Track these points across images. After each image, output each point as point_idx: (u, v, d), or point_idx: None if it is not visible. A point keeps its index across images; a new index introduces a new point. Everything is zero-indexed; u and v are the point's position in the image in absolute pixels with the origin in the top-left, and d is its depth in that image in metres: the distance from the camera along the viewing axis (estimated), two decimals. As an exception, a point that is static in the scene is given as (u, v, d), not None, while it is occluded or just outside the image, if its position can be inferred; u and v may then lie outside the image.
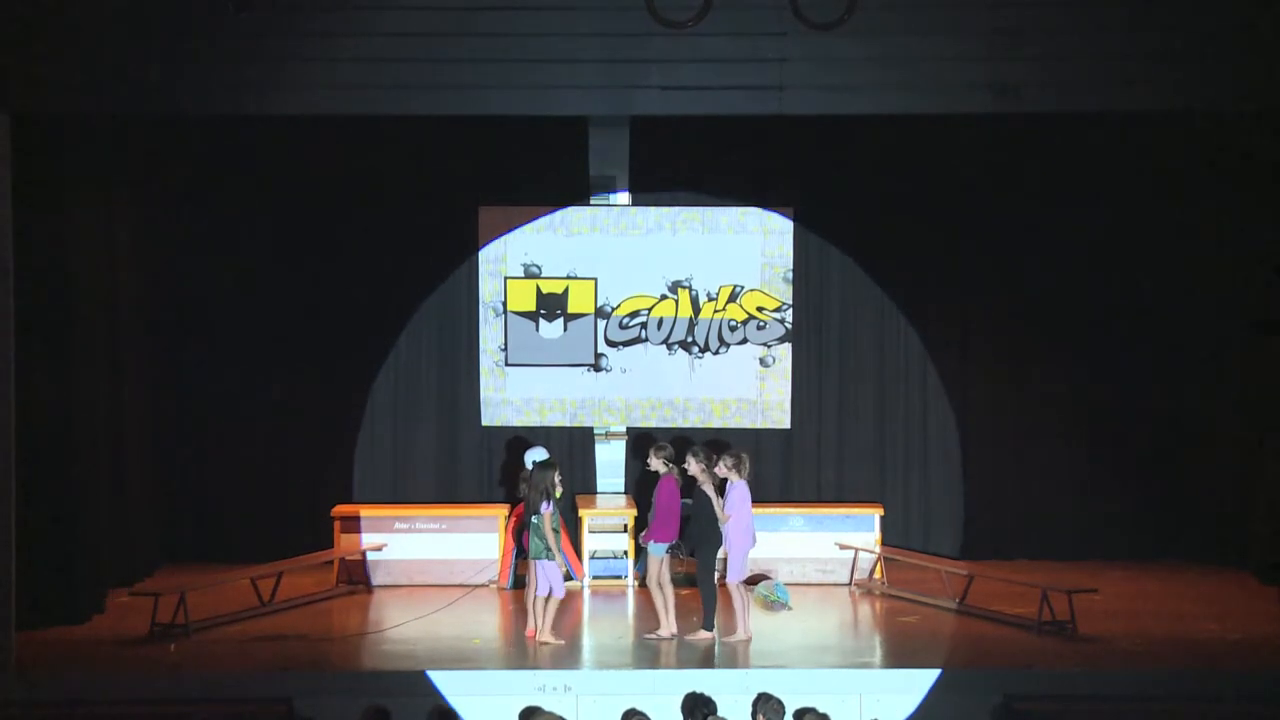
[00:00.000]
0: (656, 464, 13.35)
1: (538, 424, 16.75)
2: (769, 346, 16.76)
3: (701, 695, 9.65)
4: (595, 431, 16.94)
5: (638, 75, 12.41)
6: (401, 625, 13.69)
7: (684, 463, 13.18)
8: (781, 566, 15.46)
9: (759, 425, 16.77)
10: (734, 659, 12.61)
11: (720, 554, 13.25)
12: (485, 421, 16.77)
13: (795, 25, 11.76)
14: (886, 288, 16.88)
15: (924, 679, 11.93)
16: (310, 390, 16.61)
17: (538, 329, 16.71)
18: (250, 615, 14.00)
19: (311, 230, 16.52)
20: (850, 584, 15.55)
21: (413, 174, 16.54)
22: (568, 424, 16.82)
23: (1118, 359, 16.65)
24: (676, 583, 13.69)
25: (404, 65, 12.17)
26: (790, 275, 16.70)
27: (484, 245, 16.63)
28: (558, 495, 13.14)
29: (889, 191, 16.61)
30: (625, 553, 15.51)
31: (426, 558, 15.48)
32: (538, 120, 14.91)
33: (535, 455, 14.21)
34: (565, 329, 16.71)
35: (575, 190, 16.72)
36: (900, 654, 12.94)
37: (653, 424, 16.69)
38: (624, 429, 16.87)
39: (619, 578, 15.48)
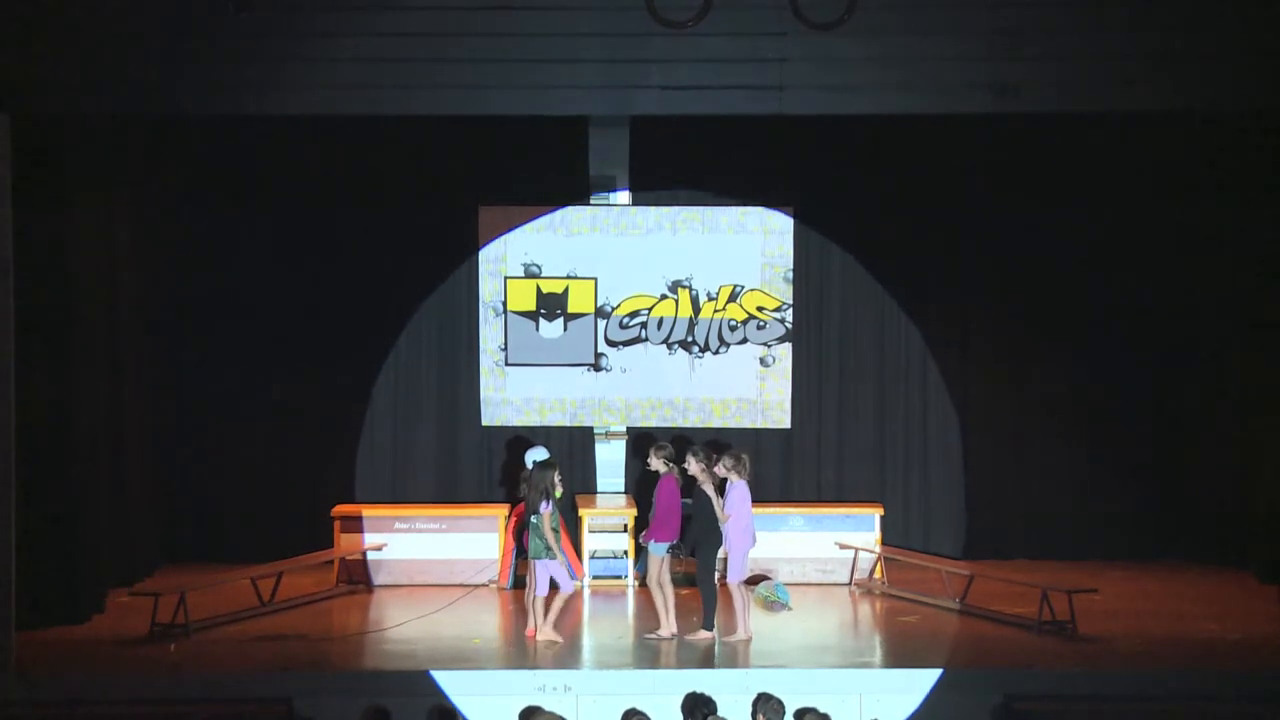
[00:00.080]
0: (656, 464, 13.35)
1: (538, 424, 16.75)
2: (769, 346, 16.75)
3: (701, 695, 9.63)
4: (595, 431, 16.92)
5: (638, 75, 12.40)
6: (402, 625, 13.69)
7: (684, 462, 13.18)
8: (781, 566, 15.47)
9: (759, 425, 16.76)
10: (734, 659, 12.61)
11: (720, 554, 13.25)
12: (485, 421, 16.76)
13: (795, 25, 11.75)
14: (887, 287, 16.87)
15: (924, 679, 11.92)
16: (310, 390, 16.59)
17: (538, 329, 16.70)
18: (250, 615, 14.00)
19: (311, 230, 16.51)
20: (850, 584, 15.55)
21: (412, 174, 16.53)
22: (568, 424, 16.81)
23: (1118, 359, 16.65)
24: (676, 583, 13.69)
25: (404, 65, 12.16)
26: (790, 275, 16.69)
27: (484, 245, 16.62)
28: (558, 495, 13.15)
29: (889, 191, 16.61)
30: (625, 552, 15.50)
31: (426, 558, 15.49)
32: (538, 120, 14.89)
33: (535, 455, 14.22)
34: (565, 329, 16.70)
35: (575, 190, 16.71)
36: (900, 654, 12.94)
37: (653, 424, 16.68)
38: (624, 429, 16.85)
39: (619, 578, 15.48)
